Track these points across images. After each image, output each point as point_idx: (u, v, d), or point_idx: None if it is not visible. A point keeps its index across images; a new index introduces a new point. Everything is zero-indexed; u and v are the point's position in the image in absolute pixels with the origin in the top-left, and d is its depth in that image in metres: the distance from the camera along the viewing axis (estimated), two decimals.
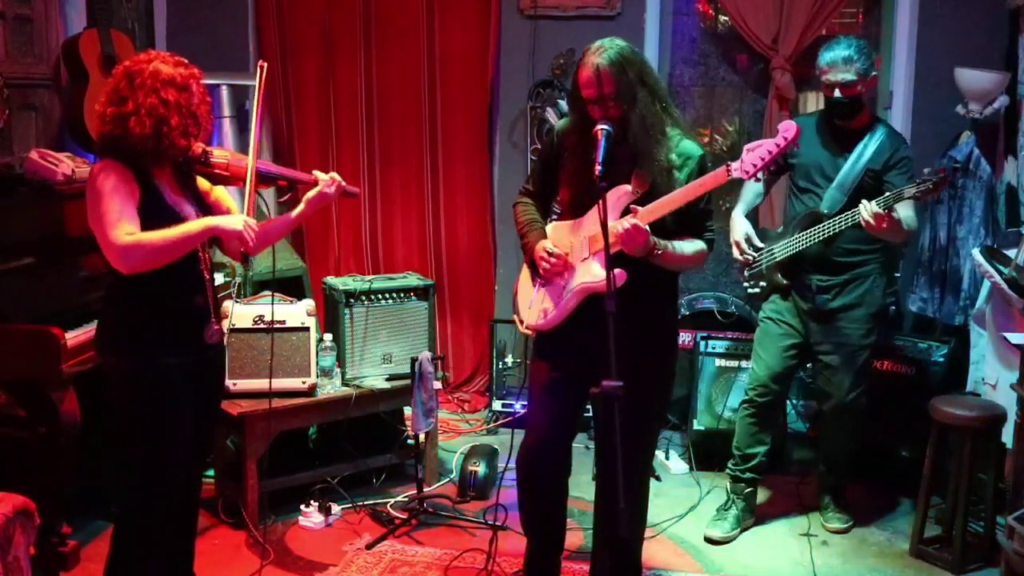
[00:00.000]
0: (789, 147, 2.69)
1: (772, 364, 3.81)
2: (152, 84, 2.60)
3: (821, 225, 3.62)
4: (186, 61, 2.71)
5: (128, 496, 2.78)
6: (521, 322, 3.00)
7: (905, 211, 3.54)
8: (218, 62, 5.09)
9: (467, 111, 5.24)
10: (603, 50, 2.73)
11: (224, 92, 5.06)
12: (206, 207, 2.82)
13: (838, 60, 3.60)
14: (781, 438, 4.42)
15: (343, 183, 2.96)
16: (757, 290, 3.86)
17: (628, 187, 2.78)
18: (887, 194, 3.45)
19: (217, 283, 4.12)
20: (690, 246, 2.84)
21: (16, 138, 4.21)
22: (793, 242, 3.70)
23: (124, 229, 2.55)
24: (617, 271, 2.65)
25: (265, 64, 2.95)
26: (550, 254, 2.86)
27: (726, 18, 5.15)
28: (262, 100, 2.94)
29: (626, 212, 2.76)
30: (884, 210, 3.40)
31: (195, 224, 2.67)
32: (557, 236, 2.94)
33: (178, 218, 2.68)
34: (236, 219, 2.71)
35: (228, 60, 5.25)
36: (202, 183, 2.86)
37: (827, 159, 3.71)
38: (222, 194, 2.92)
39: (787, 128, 2.69)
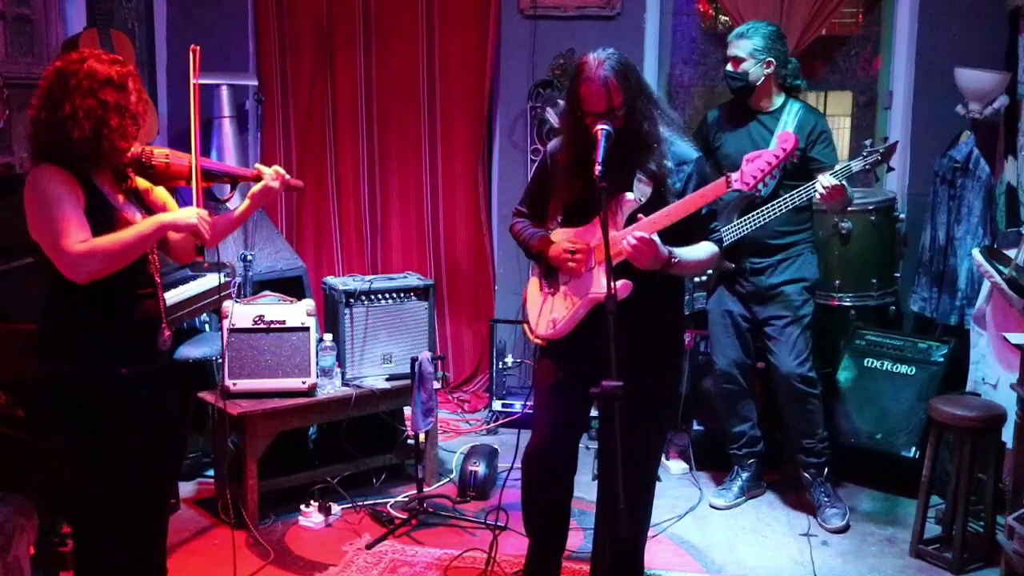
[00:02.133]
0: (789, 157, 2.72)
1: (729, 353, 3.98)
2: (88, 85, 2.47)
3: (776, 202, 3.71)
4: (121, 59, 2.58)
5: (78, 512, 2.68)
6: (532, 332, 2.99)
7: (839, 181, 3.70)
8: (218, 62, 5.09)
9: (467, 111, 5.24)
10: (604, 61, 2.67)
11: (224, 92, 5.06)
12: (147, 207, 2.72)
13: (734, 36, 3.83)
14: (781, 437, 4.43)
15: (287, 176, 2.89)
16: (704, 278, 3.98)
17: (631, 195, 2.77)
18: (837, 168, 3.64)
19: (217, 283, 4.15)
20: (703, 250, 2.84)
21: (16, 138, 4.20)
22: (735, 227, 3.78)
23: (76, 237, 2.43)
24: (622, 282, 2.65)
25: (198, 48, 2.81)
26: (573, 252, 2.81)
27: (726, 18, 5.15)
28: (197, 90, 2.82)
29: (631, 221, 2.76)
30: (839, 182, 3.58)
31: (148, 223, 2.56)
32: (563, 240, 2.92)
33: (123, 221, 2.56)
34: (189, 212, 2.61)
35: (228, 60, 5.25)
36: (141, 182, 2.75)
37: (750, 143, 3.79)
38: (162, 193, 2.81)
39: (786, 139, 2.72)
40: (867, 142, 3.68)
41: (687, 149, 2.84)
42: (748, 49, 3.75)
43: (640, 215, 2.73)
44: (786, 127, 3.75)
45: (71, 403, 2.58)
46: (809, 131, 3.76)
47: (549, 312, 2.91)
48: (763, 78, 3.78)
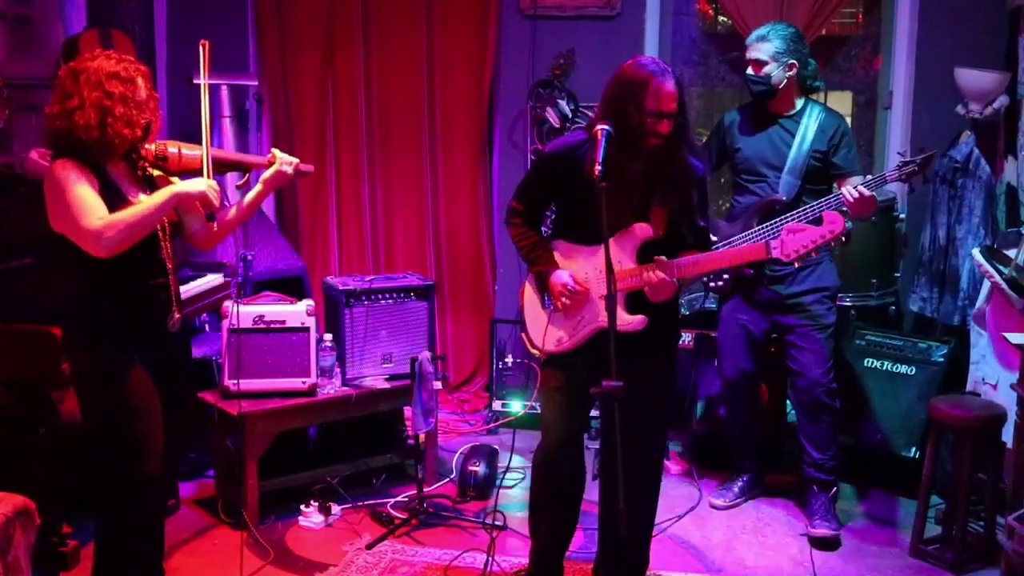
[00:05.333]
0: (835, 240, 2.74)
1: (739, 362, 3.93)
2: (96, 79, 2.66)
3: (800, 210, 3.65)
4: (131, 58, 2.77)
5: (107, 497, 2.81)
6: (534, 346, 2.99)
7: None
8: (218, 62, 5.05)
9: (467, 111, 5.24)
10: (668, 67, 2.73)
11: (224, 92, 5.06)
12: None
13: (754, 38, 3.75)
14: (781, 437, 4.44)
15: (298, 162, 3.02)
16: (720, 283, 3.89)
17: (649, 227, 2.79)
18: (870, 177, 3.57)
19: (217, 283, 4.16)
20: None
21: (16, 138, 4.20)
22: (754, 234, 3.70)
23: (95, 214, 2.61)
24: (640, 318, 2.75)
25: (207, 43, 2.98)
26: (571, 291, 2.84)
27: (726, 18, 5.15)
28: (206, 87, 2.96)
29: (643, 251, 2.78)
30: (871, 192, 3.51)
31: (161, 193, 2.73)
32: (569, 260, 2.92)
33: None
34: (199, 182, 2.79)
35: (228, 60, 5.25)
36: (156, 172, 2.90)
37: (770, 147, 3.77)
38: (177, 181, 2.95)
39: (834, 220, 2.75)
40: (901, 152, 3.58)
41: (699, 164, 2.88)
42: (770, 52, 3.69)
43: (660, 259, 2.77)
44: (808, 130, 3.70)
45: (92, 389, 2.78)
46: (831, 135, 3.70)
47: (555, 330, 2.93)
48: (785, 81, 3.71)
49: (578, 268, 2.89)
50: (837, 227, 2.73)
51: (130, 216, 2.64)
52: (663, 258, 2.75)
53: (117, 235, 2.61)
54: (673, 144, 2.75)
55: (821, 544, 3.70)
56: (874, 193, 3.52)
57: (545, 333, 2.93)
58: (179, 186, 2.77)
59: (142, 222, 2.66)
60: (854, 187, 3.49)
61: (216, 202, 2.79)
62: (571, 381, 2.93)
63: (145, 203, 2.70)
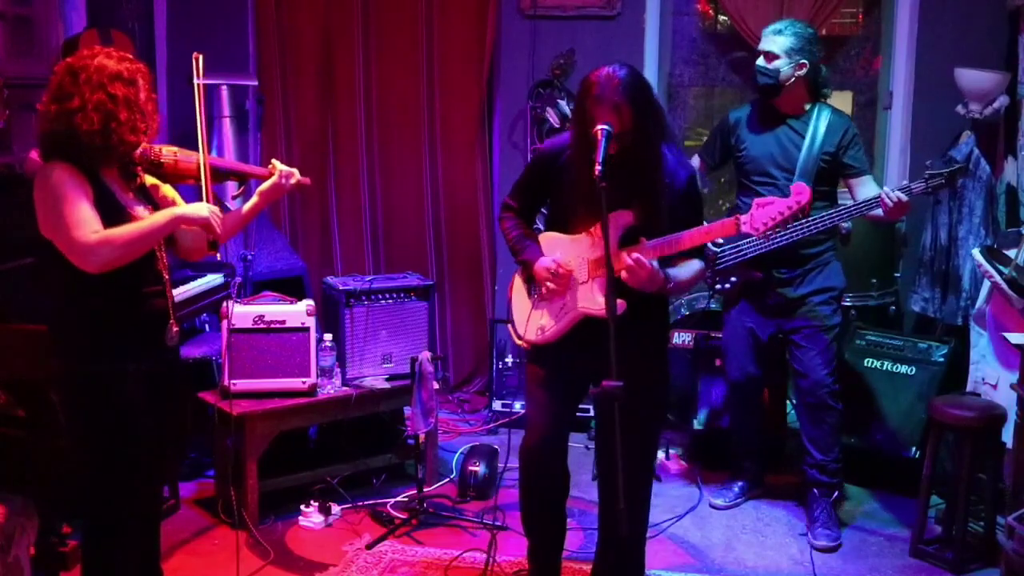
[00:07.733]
0: (801, 211, 2.69)
1: (745, 366, 3.93)
2: (98, 79, 2.52)
3: (823, 215, 3.60)
4: (131, 56, 2.63)
5: (92, 510, 2.70)
6: (519, 336, 2.99)
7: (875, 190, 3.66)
8: (218, 62, 5.09)
9: (467, 111, 5.24)
10: (618, 82, 2.65)
11: (224, 92, 5.06)
12: (156, 204, 2.76)
13: (770, 31, 3.73)
14: (782, 437, 4.44)
15: (296, 174, 2.93)
16: (727, 286, 3.87)
17: (629, 213, 2.78)
18: (904, 183, 3.57)
19: (217, 283, 4.16)
20: (694, 268, 2.86)
21: (16, 138, 4.20)
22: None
23: (89, 227, 2.48)
24: (618, 302, 2.66)
25: (200, 55, 2.87)
26: (554, 274, 2.83)
27: (726, 18, 5.15)
28: (203, 90, 2.86)
29: (626, 239, 2.76)
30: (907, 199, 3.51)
31: (161, 215, 2.62)
32: (552, 249, 2.92)
33: (130, 217, 2.60)
34: (201, 207, 2.68)
35: (228, 60, 5.25)
36: (149, 179, 2.79)
37: (779, 149, 3.74)
38: (170, 191, 2.86)
39: (800, 191, 2.69)
40: (929, 163, 3.58)
41: (677, 165, 2.84)
42: (784, 46, 3.66)
43: (643, 238, 2.74)
44: (818, 132, 3.68)
45: (82, 401, 2.62)
46: (841, 136, 3.68)
47: (538, 319, 2.93)
48: (793, 79, 3.68)
49: (562, 256, 2.89)
50: (804, 197, 2.68)
51: (128, 234, 2.52)
52: (644, 240, 2.74)
53: (111, 252, 2.49)
54: (629, 150, 2.70)
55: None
56: (909, 199, 3.50)
57: (528, 322, 2.93)
58: (183, 209, 2.66)
59: (139, 241, 2.55)
60: (892, 191, 3.48)
61: (218, 229, 2.68)
62: (553, 376, 2.94)
63: (144, 223, 2.57)
